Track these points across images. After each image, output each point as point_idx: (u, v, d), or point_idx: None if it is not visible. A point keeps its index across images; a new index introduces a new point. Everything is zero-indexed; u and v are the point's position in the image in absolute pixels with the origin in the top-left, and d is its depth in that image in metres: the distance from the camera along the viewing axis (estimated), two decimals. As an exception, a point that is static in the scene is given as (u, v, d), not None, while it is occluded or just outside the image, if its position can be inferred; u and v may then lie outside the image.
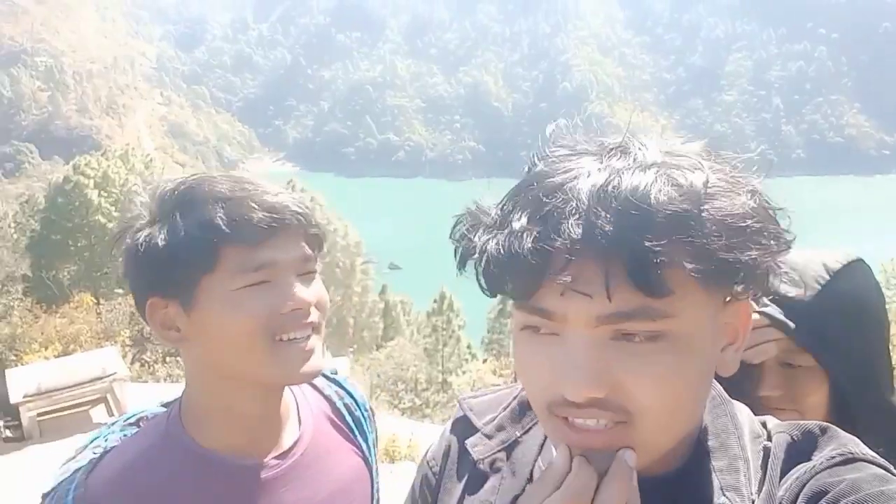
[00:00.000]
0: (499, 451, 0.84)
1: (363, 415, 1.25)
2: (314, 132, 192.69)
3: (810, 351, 1.09)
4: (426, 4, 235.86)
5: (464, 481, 0.86)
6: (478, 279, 0.68)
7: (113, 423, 1.15)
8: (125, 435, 1.11)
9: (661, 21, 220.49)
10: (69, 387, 9.02)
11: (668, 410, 0.63)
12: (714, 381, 0.73)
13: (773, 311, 1.09)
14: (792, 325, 1.08)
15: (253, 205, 0.99)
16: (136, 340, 17.63)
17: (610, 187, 0.60)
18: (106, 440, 1.10)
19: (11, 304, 22.98)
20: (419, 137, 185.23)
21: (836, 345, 1.08)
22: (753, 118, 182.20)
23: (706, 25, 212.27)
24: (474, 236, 0.68)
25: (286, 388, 1.12)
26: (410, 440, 10.77)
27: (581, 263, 0.59)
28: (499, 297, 0.68)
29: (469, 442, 0.87)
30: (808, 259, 1.14)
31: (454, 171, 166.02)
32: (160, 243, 0.99)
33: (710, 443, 0.72)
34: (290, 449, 1.10)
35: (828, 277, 1.11)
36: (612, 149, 0.65)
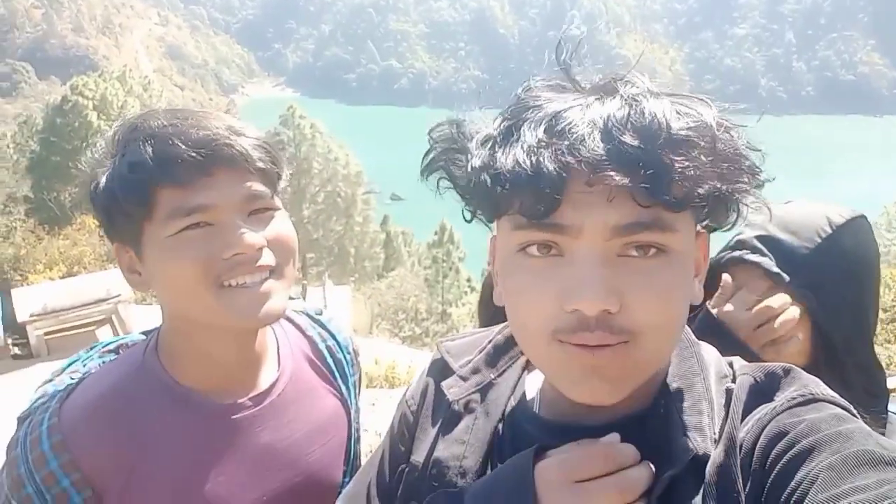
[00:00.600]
0: (473, 392, 0.86)
1: (345, 357, 1.24)
2: (315, 57, 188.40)
3: (804, 302, 1.10)
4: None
5: (439, 421, 0.87)
6: (476, 198, 0.70)
7: (91, 349, 1.14)
8: (103, 362, 1.10)
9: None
10: (75, 307, 9.20)
11: (666, 327, 0.67)
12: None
13: (767, 262, 1.12)
14: (787, 277, 1.10)
15: (178, 142, 0.92)
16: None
17: (629, 109, 0.63)
18: (84, 365, 1.10)
19: (14, 224, 23.11)
20: (422, 65, 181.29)
21: (831, 298, 1.10)
22: (764, 53, 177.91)
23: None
24: (468, 151, 0.70)
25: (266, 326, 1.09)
26: (409, 367, 11.05)
27: (604, 177, 0.61)
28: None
29: (445, 384, 0.89)
30: (811, 211, 1.16)
31: (457, 100, 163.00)
32: (101, 189, 0.96)
33: (674, 384, 0.74)
34: (268, 389, 1.09)
35: (829, 231, 1.13)
36: (615, 80, 0.67)
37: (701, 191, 0.62)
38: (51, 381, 1.07)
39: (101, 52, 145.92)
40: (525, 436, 0.77)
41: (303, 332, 1.21)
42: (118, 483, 0.98)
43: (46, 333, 9.37)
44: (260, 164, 0.98)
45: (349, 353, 1.25)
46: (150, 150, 0.93)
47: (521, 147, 0.64)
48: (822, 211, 1.16)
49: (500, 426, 0.82)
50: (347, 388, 1.22)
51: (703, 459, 0.67)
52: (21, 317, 10.04)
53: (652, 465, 0.68)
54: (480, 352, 0.90)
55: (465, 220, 0.75)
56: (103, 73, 36.11)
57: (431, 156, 0.74)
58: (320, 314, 1.28)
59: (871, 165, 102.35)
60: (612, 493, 0.66)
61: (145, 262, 0.98)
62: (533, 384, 0.84)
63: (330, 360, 1.21)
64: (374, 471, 0.94)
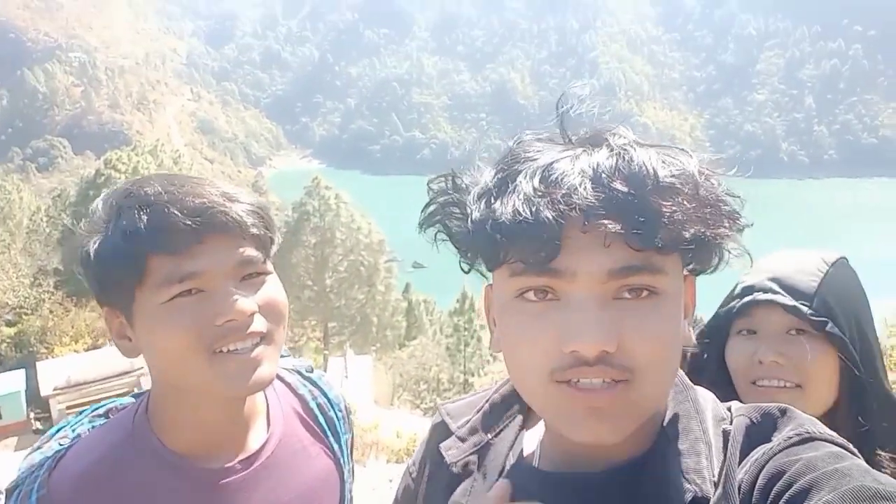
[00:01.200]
0: (471, 454, 0.86)
1: (336, 415, 1.23)
2: (340, 129, 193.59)
3: (821, 329, 1.18)
4: (454, 1, 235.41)
5: (439, 484, 0.88)
6: (475, 248, 0.72)
7: (81, 413, 1.14)
8: (93, 426, 1.09)
9: (693, 17, 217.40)
10: (98, 380, 9.21)
11: (663, 366, 0.69)
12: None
13: (782, 298, 1.21)
14: (806, 309, 1.18)
15: (174, 210, 0.94)
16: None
17: (617, 159, 0.67)
18: (73, 430, 1.09)
19: (42, 297, 23.48)
20: (444, 135, 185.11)
21: (842, 327, 1.19)
22: (784, 118, 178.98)
23: (738, 22, 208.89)
24: (464, 205, 0.74)
25: None
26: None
27: (598, 224, 0.64)
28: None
29: (443, 445, 0.89)
30: (804, 254, 1.28)
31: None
32: (91, 255, 0.97)
33: (671, 427, 0.74)
34: (258, 452, 1.08)
35: (827, 267, 1.24)
36: (601, 132, 0.71)
37: (687, 234, 0.65)
38: (39, 447, 1.06)
39: (136, 127, 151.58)
40: (524, 490, 0.77)
41: (293, 390, 1.20)
42: None
43: (68, 407, 9.36)
44: (253, 230, 0.99)
45: (341, 410, 1.25)
46: (144, 218, 0.93)
47: (519, 197, 0.66)
48: (814, 255, 1.27)
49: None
50: (340, 447, 1.21)
51: (702, 502, 0.67)
52: (45, 390, 10.09)
53: None
54: (478, 411, 0.90)
55: (464, 272, 0.77)
56: (136, 147, 37.32)
57: (430, 210, 0.77)
58: (311, 371, 1.28)
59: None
60: None
61: (136, 329, 0.97)
62: (531, 441, 0.84)
63: (321, 419, 1.20)
64: None
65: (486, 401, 0.91)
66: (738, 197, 0.71)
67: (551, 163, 0.68)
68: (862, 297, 1.27)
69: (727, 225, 0.69)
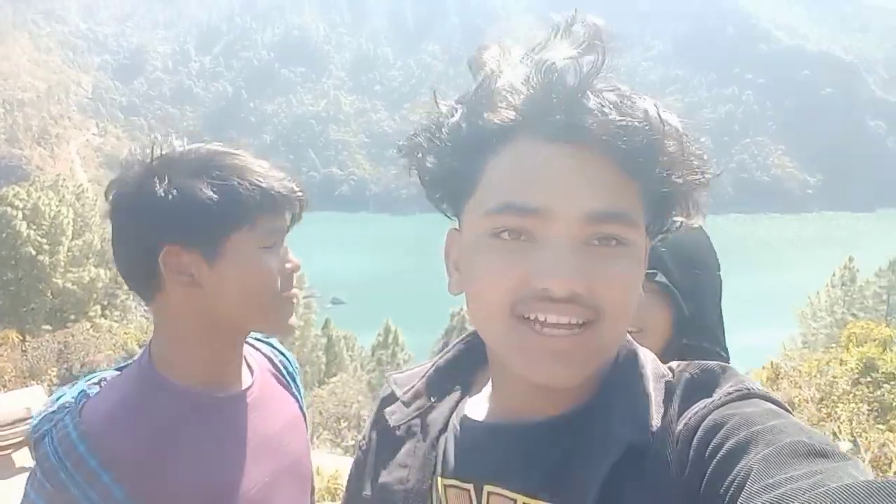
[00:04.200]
0: (414, 417, 0.87)
1: (294, 372, 1.43)
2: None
3: (652, 280, 1.32)
4: (370, 42, 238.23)
5: (386, 450, 0.89)
6: (449, 174, 0.75)
7: (73, 385, 1.20)
8: (88, 393, 1.16)
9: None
10: (-10, 428, 8.52)
11: (624, 313, 0.71)
12: None
13: None
14: (654, 272, 1.32)
15: (280, 181, 1.17)
16: (63, 379, 16.80)
17: (625, 99, 0.68)
18: (72, 397, 1.15)
19: (-72, 341, 21.67)
20: (363, 172, 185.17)
21: (677, 278, 1.36)
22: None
23: (641, 70, 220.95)
24: (441, 131, 0.76)
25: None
26: (353, 477, 10.47)
27: (587, 158, 0.67)
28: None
29: (387, 410, 0.91)
30: None
31: (398, 205, 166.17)
32: (202, 196, 1.08)
33: (613, 379, 0.77)
34: (248, 389, 1.24)
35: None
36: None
37: (675, 177, 0.69)
38: (44, 411, 1.13)
39: (35, 162, 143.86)
40: (467, 440, 0.80)
41: (259, 350, 1.39)
42: (153, 473, 1.07)
43: (-44, 458, 8.52)
44: (297, 209, 1.24)
45: (296, 368, 1.45)
46: (261, 181, 1.13)
47: (513, 74, 0.70)
48: None
49: (442, 438, 0.83)
50: (300, 397, 1.40)
51: (642, 450, 0.69)
52: (-72, 441, 9.10)
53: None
54: (423, 377, 0.92)
55: (446, 216, 0.81)
56: (35, 182, 35.36)
57: (407, 145, 0.82)
58: (269, 338, 1.44)
59: (793, 259, 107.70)
60: None
61: (217, 265, 1.10)
62: (475, 403, 0.85)
63: (285, 373, 1.39)
64: None
65: (432, 365, 0.93)
66: (703, 153, 0.74)
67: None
68: (705, 261, 1.43)
69: (701, 181, 0.73)
